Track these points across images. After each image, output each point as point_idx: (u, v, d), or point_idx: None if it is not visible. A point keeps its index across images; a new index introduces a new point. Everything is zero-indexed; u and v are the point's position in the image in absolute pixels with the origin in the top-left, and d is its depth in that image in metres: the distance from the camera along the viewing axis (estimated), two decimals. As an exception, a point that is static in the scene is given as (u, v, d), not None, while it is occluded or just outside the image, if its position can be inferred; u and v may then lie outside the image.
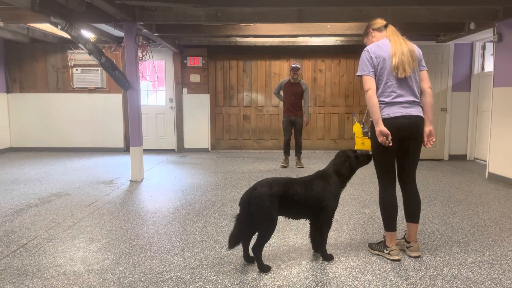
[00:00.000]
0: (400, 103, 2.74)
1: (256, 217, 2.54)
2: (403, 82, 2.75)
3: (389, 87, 2.75)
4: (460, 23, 6.26)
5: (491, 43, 6.34)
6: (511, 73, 5.31)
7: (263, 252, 2.69)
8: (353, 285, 2.48)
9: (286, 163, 6.76)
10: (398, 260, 2.83)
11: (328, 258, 2.83)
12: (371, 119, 2.84)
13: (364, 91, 2.79)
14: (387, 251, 2.87)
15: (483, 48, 7.20)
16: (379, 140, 2.70)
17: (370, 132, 2.89)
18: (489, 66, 7.05)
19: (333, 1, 4.94)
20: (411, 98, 2.77)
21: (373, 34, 2.95)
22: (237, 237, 2.61)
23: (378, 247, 2.97)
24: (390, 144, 2.68)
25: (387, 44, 2.79)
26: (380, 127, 2.69)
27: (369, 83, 2.75)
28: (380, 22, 2.95)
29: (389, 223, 2.87)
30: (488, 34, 6.22)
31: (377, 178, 2.93)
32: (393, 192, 2.88)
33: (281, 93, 6.86)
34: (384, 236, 2.93)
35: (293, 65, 6.61)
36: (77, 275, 2.62)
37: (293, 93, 6.62)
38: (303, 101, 6.69)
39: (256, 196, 2.53)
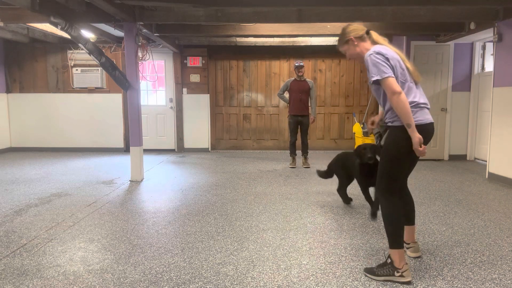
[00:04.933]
0: (427, 108, 2.53)
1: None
2: (417, 86, 2.57)
3: (412, 90, 2.50)
4: (460, 23, 6.26)
5: (491, 43, 6.34)
6: (511, 73, 5.31)
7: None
8: (353, 285, 2.48)
9: (294, 164, 6.72)
10: (410, 282, 2.48)
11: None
12: (385, 121, 2.57)
13: (389, 95, 2.38)
14: (399, 273, 2.45)
15: (483, 48, 7.20)
16: (419, 150, 2.36)
17: (395, 138, 2.48)
18: (489, 66, 7.05)
19: (333, 1, 4.93)
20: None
21: (356, 43, 2.61)
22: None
23: (384, 271, 2.51)
24: (425, 151, 2.39)
25: (388, 47, 2.58)
26: (418, 134, 2.36)
27: (396, 85, 2.36)
28: (360, 28, 2.62)
29: (399, 239, 2.51)
30: (488, 34, 6.21)
31: (384, 188, 2.53)
32: (401, 203, 2.62)
33: (286, 94, 6.85)
34: (388, 257, 2.53)
35: (296, 64, 6.59)
36: (77, 275, 2.63)
37: (300, 91, 6.59)
38: (309, 99, 6.69)
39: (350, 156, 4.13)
